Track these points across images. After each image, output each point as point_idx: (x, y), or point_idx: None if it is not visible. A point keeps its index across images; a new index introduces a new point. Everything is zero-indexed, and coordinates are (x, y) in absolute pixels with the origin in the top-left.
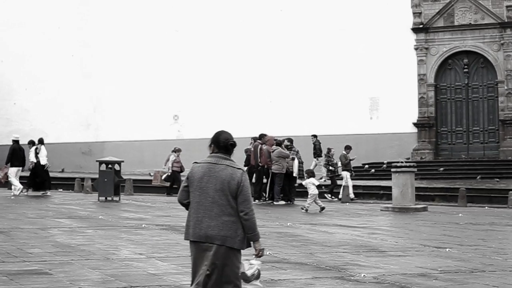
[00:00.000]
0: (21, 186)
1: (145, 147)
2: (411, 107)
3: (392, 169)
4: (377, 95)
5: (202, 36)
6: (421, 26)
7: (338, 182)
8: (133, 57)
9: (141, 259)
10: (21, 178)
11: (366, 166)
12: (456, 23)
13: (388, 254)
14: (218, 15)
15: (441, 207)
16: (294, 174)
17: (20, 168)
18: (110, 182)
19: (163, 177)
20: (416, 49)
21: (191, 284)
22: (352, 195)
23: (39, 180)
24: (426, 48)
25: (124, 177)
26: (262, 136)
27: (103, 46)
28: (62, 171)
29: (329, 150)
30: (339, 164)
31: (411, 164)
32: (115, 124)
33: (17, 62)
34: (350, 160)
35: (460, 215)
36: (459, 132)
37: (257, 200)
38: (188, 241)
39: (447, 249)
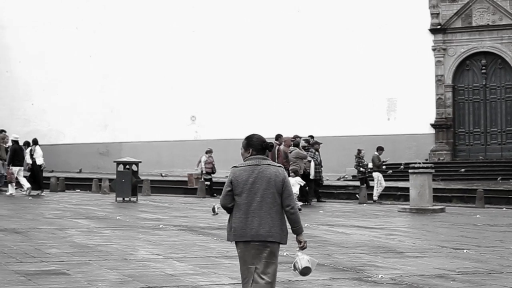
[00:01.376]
0: (29, 186)
1: (162, 148)
2: (428, 108)
3: (410, 170)
4: (394, 96)
5: (219, 37)
6: (439, 27)
7: (371, 183)
8: (151, 57)
9: (158, 259)
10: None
11: (383, 167)
12: (474, 24)
13: (406, 255)
14: (235, 16)
15: (458, 208)
16: (311, 176)
17: (22, 167)
18: (128, 182)
19: (201, 179)
20: (433, 50)
21: (243, 283)
22: (376, 198)
23: (35, 180)
24: (444, 49)
25: (142, 177)
26: (278, 136)
27: (121, 46)
28: (80, 171)
29: (359, 151)
30: (370, 165)
31: (429, 165)
32: (133, 124)
33: (35, 63)
34: (383, 162)
35: (477, 216)
36: (476, 133)
37: None
38: (232, 242)
39: (465, 250)
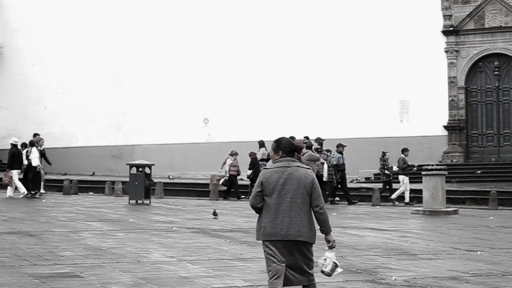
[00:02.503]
0: (26, 191)
1: (175, 151)
2: (441, 110)
3: (423, 172)
4: (407, 98)
5: (231, 40)
6: (451, 28)
7: (395, 185)
8: (163, 60)
9: (172, 262)
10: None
11: (395, 167)
12: (486, 26)
13: (419, 257)
14: (247, 19)
15: (472, 210)
16: (324, 178)
17: (19, 170)
18: (141, 185)
19: (221, 182)
20: (446, 51)
21: (270, 279)
22: (407, 199)
23: (31, 181)
24: (457, 51)
25: (155, 180)
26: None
27: (134, 49)
28: (93, 174)
29: (384, 153)
30: (394, 168)
31: (442, 167)
32: (146, 127)
33: (48, 66)
34: (408, 164)
35: (491, 218)
36: (489, 135)
37: None
38: (262, 241)
39: (478, 252)
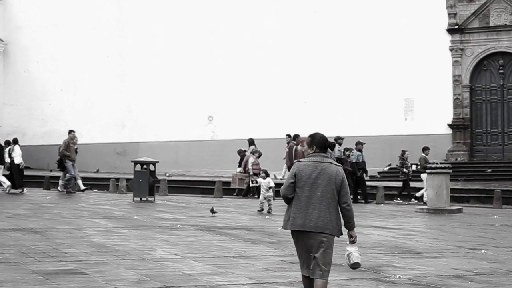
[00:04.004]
0: (10, 183)
1: (179, 148)
2: (446, 108)
3: (427, 171)
4: (411, 96)
5: (236, 37)
6: (456, 27)
7: (417, 184)
8: (168, 58)
9: (176, 259)
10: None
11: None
12: (491, 24)
13: (423, 256)
14: (252, 16)
15: (476, 209)
16: None
17: (2, 166)
18: (145, 182)
19: (249, 183)
20: (451, 50)
21: (301, 269)
22: (419, 194)
23: (15, 179)
24: (461, 49)
25: (159, 177)
26: (296, 136)
27: (138, 47)
28: (97, 171)
29: (403, 152)
30: (413, 167)
31: (446, 165)
32: (150, 124)
33: (52, 63)
34: (430, 163)
35: (495, 216)
36: (494, 134)
37: None
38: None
39: (483, 251)
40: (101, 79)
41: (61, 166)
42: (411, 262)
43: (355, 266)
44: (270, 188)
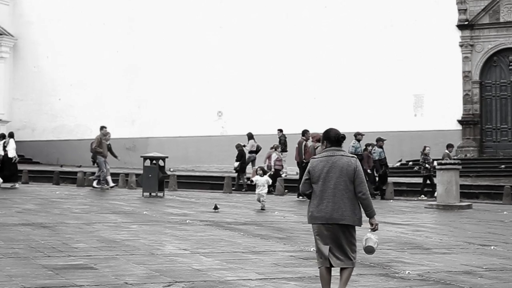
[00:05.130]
0: (1, 180)
1: (189, 143)
2: (455, 104)
3: (437, 167)
4: (421, 92)
5: (246, 33)
6: (466, 23)
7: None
8: (178, 53)
9: (185, 254)
10: None
11: (410, 163)
12: (501, 20)
13: (433, 252)
14: (262, 12)
15: (485, 205)
16: None
17: None
18: (155, 177)
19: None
20: (461, 46)
21: (317, 260)
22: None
23: (8, 173)
24: (471, 45)
25: (168, 172)
26: (305, 132)
27: (148, 42)
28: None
29: (424, 148)
30: (435, 163)
31: (456, 161)
32: (160, 120)
33: (62, 58)
34: (452, 158)
35: (505, 213)
36: (504, 130)
37: (300, 197)
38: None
39: (492, 247)
40: (110, 74)
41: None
42: (421, 258)
43: (368, 249)
44: (267, 185)
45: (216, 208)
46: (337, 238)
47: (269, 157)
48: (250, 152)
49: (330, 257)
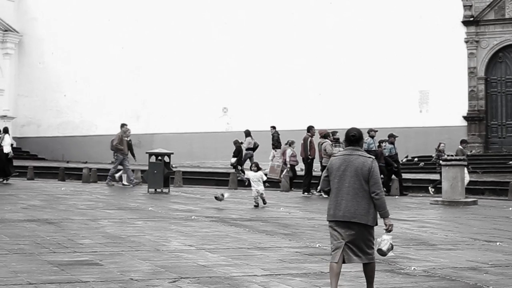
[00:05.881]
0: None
1: (194, 139)
2: (461, 100)
3: (442, 163)
4: (427, 88)
5: (251, 29)
6: (471, 19)
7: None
8: (183, 49)
9: (191, 250)
10: None
11: (416, 159)
12: (507, 16)
13: (438, 248)
14: (267, 8)
15: (491, 201)
16: None
17: None
18: (160, 174)
19: (284, 173)
20: (466, 42)
21: (331, 253)
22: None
23: (1, 167)
24: (477, 41)
25: (174, 169)
26: (310, 128)
27: (153, 38)
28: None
29: (439, 144)
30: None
31: (461, 157)
32: (165, 116)
33: (67, 55)
34: (468, 155)
35: (510, 209)
36: (509, 126)
37: (305, 193)
38: (328, 221)
39: (498, 243)
40: (116, 70)
41: None
42: (426, 254)
43: (379, 252)
44: (262, 181)
45: (219, 198)
46: (351, 236)
47: (284, 153)
48: (247, 149)
49: (348, 254)
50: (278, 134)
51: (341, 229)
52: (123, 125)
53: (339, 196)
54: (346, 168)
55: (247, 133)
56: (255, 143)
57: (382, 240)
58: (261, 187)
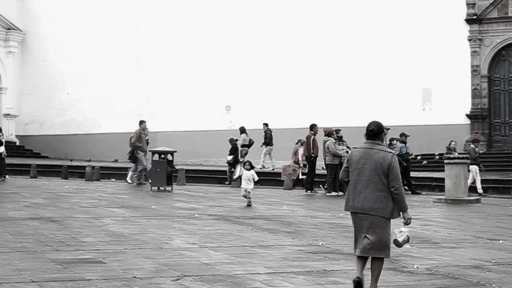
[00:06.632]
0: None
1: (197, 138)
2: (464, 98)
3: (445, 161)
4: (430, 86)
5: (254, 27)
6: (474, 17)
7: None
8: (186, 47)
9: (194, 248)
10: None
11: (419, 157)
12: (510, 14)
13: (441, 246)
14: (270, 6)
15: (494, 199)
16: None
17: None
18: (163, 172)
19: (299, 175)
20: (469, 40)
21: (354, 249)
22: (480, 190)
23: None
24: (480, 39)
25: (177, 167)
26: (312, 126)
27: (156, 37)
28: (116, 161)
29: (450, 142)
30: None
31: (464, 155)
32: (168, 114)
33: (70, 53)
34: (479, 153)
35: None
36: None
37: (309, 191)
38: (348, 212)
39: (501, 241)
40: (119, 68)
41: (133, 157)
42: (429, 252)
43: (395, 243)
44: (253, 181)
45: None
46: (368, 228)
47: (295, 153)
48: (243, 146)
49: (364, 246)
50: (271, 131)
51: (359, 221)
52: (141, 122)
53: (357, 189)
54: (366, 161)
55: (242, 130)
56: (250, 140)
57: (400, 231)
58: (250, 186)
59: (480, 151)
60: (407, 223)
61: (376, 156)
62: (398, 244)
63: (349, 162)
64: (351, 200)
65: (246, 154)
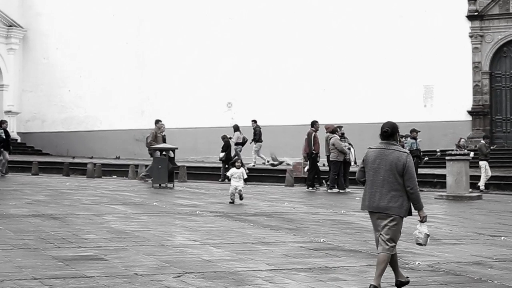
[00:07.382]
0: None
1: (198, 134)
2: (465, 95)
3: (447, 157)
4: (431, 83)
5: (255, 24)
6: (476, 13)
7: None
8: (187, 44)
9: (195, 245)
10: None
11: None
12: (511, 11)
13: (443, 242)
14: (271, 3)
15: (495, 196)
16: (352, 163)
17: None
18: (164, 169)
19: (306, 169)
20: (471, 36)
21: (377, 247)
22: (482, 187)
23: None
24: (481, 36)
25: (178, 164)
26: (314, 123)
27: (157, 33)
28: (117, 158)
29: (459, 140)
30: (471, 154)
31: (466, 152)
32: (169, 111)
33: (72, 50)
34: (491, 150)
35: None
36: None
37: (310, 188)
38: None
39: (502, 238)
40: (120, 65)
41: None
42: (431, 248)
43: (418, 244)
44: (243, 178)
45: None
46: (383, 226)
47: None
48: (236, 144)
49: (380, 241)
50: (260, 128)
51: (376, 220)
52: (157, 121)
53: (373, 188)
54: (381, 161)
55: (236, 128)
56: (243, 138)
57: (420, 232)
58: (240, 183)
59: (492, 147)
60: (423, 221)
61: (391, 156)
62: (422, 243)
63: (364, 162)
64: (367, 199)
65: (240, 152)
